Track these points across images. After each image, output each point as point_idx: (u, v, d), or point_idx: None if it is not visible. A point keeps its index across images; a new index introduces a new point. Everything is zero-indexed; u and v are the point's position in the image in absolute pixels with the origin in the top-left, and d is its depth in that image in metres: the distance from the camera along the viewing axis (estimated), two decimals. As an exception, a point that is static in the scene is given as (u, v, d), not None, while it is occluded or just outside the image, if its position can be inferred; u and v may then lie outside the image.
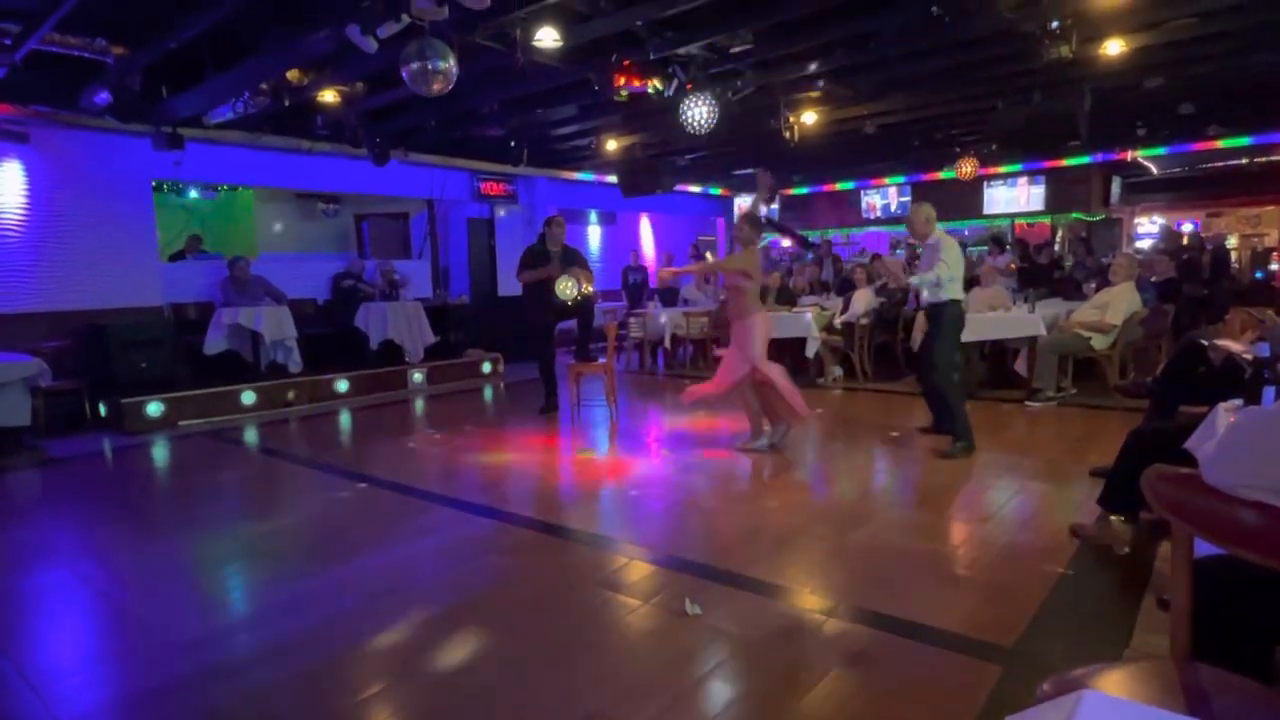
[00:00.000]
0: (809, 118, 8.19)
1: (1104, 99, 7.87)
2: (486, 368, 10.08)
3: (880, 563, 3.38)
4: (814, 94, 7.57)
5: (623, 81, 5.98)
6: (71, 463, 6.07)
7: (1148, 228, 13.80)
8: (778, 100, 7.75)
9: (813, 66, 6.71)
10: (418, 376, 9.29)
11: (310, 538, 4.13)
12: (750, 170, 13.28)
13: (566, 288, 6.71)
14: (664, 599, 3.04)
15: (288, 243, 11.26)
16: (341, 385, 8.65)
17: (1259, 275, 12.51)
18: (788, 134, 7.93)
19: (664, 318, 10.28)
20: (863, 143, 10.33)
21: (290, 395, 8.13)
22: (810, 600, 3.01)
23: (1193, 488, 1.51)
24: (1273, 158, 11.49)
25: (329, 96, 7.25)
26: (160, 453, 6.45)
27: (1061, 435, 5.81)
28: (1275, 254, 12.76)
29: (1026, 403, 6.80)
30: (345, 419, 7.80)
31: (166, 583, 3.52)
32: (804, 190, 15.44)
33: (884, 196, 14.77)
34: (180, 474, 5.96)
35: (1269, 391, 2.22)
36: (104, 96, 6.40)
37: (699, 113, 6.27)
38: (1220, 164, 12.14)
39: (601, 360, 7.33)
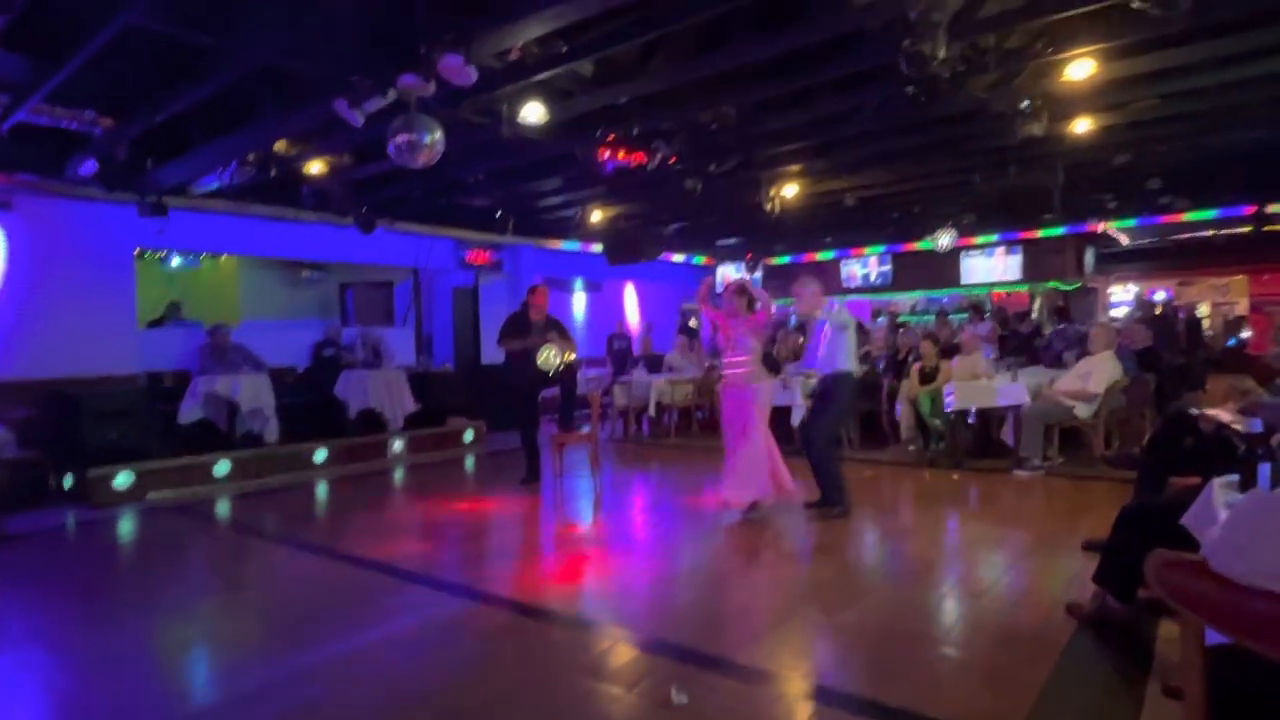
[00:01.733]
0: (790, 190, 8.36)
1: (1076, 173, 8.11)
2: (469, 436, 9.92)
3: (873, 645, 3.25)
4: (794, 168, 7.75)
5: (607, 155, 6.08)
6: (29, 539, 5.81)
7: (1121, 296, 14.09)
8: (759, 174, 7.92)
9: (793, 142, 6.88)
10: (398, 445, 9.11)
11: (277, 621, 3.93)
12: (733, 240, 13.52)
13: (549, 357, 6.67)
14: (649, 686, 2.88)
15: (271, 309, 11.20)
16: (319, 455, 8.45)
17: (1232, 343, 12.75)
18: (769, 206, 8.08)
19: (649, 384, 10.23)
20: (843, 214, 10.55)
21: (264, 466, 7.92)
22: (800, 686, 2.87)
23: (1200, 576, 1.45)
24: (1236, 230, 11.84)
25: (316, 167, 7.32)
26: (125, 528, 6.21)
27: (1050, 506, 5.74)
28: (1246, 321, 13.02)
29: (1014, 471, 6.75)
30: (322, 490, 7.59)
31: (119, 671, 3.31)
32: (786, 260, 15.68)
33: (864, 266, 15.01)
34: (144, 551, 5.73)
35: (1264, 468, 2.18)
36: (90, 166, 6.42)
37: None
38: (1188, 235, 12.49)
39: (585, 429, 7.23)
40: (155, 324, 9.22)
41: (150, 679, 3.27)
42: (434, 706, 2.80)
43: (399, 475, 8.28)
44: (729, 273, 16.31)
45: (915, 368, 7.91)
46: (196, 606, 4.24)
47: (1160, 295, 13.64)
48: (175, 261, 10.46)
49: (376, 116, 4.80)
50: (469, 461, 9.09)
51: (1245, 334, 12.82)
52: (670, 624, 3.63)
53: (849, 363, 5.39)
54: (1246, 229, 11.45)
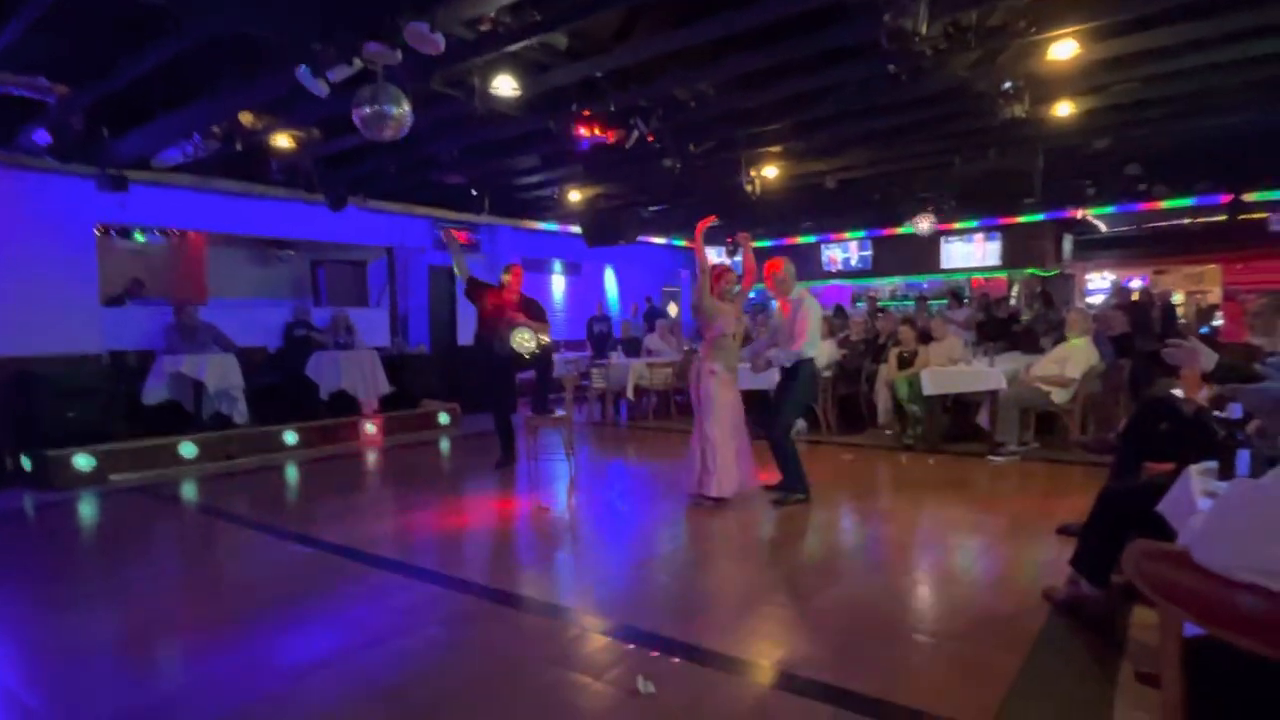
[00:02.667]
0: (770, 171, 8.25)
1: (1056, 158, 8.07)
2: (443, 419, 9.78)
3: (845, 631, 3.19)
4: (775, 148, 7.63)
5: (583, 131, 5.93)
6: (-16, 522, 5.63)
7: (1098, 284, 14.17)
8: (739, 154, 7.80)
9: (773, 121, 6.77)
10: (370, 428, 8.96)
11: (238, 607, 3.80)
12: (718, 223, 13.37)
13: (524, 339, 6.55)
14: (618, 675, 2.81)
15: (240, 288, 10.93)
16: (289, 437, 8.28)
17: (1204, 331, 12.87)
18: (749, 187, 7.97)
19: (627, 368, 10.14)
20: (823, 197, 10.46)
21: (233, 448, 7.75)
22: (770, 674, 2.80)
23: (1181, 567, 1.38)
24: (1212, 219, 11.91)
25: (284, 141, 7.09)
26: (85, 510, 6.03)
27: (1026, 490, 5.74)
28: (1218, 310, 13.15)
29: (989, 457, 6.75)
30: (291, 473, 7.44)
31: (73, 658, 3.18)
32: (767, 243, 15.59)
33: (845, 250, 14.98)
34: (103, 535, 5.56)
35: (1243, 454, 2.13)
36: (43, 136, 6.17)
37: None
38: (1164, 224, 12.55)
39: (560, 412, 7.12)
40: (115, 302, 8.95)
41: (105, 665, 3.15)
42: (396, 695, 2.71)
43: (371, 458, 8.14)
44: (710, 256, 16.22)
45: (893, 352, 7.89)
46: (155, 592, 4.09)
47: (1136, 283, 13.73)
48: (139, 238, 10.15)
49: (343, 87, 4.63)
50: (443, 444, 8.96)
51: (1217, 322, 12.96)
52: (640, 610, 3.56)
53: (814, 349, 5.40)
54: (1221, 218, 11.53)
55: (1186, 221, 12.32)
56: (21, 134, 6.37)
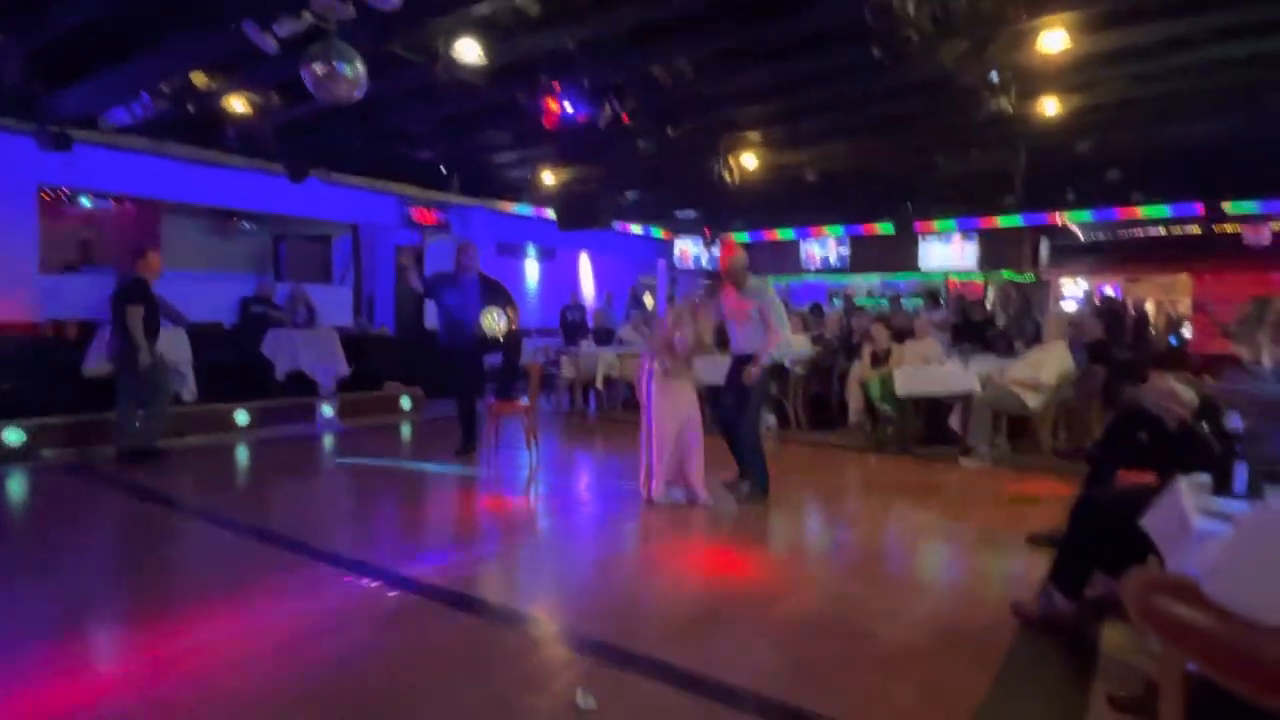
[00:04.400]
0: (749, 159, 8.04)
1: (1037, 160, 7.96)
2: (405, 403, 9.47)
3: (805, 644, 2.99)
4: (754, 135, 7.42)
5: (554, 107, 5.66)
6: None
7: (1072, 290, 14.19)
8: (717, 139, 7.58)
9: (753, 104, 6.54)
10: (327, 410, 8.63)
11: (164, 596, 3.52)
12: (692, 213, 13.18)
13: (491, 321, 6.30)
14: (558, 688, 2.58)
15: (197, 260, 10.49)
16: (240, 417, 7.93)
17: (1173, 341, 12.93)
18: (727, 175, 7.75)
19: (597, 357, 9.89)
20: (803, 190, 10.27)
21: (179, 426, 7.39)
22: (723, 693, 2.59)
23: (1190, 603, 1.18)
24: (1185, 229, 11.95)
25: (240, 105, 6.71)
26: (12, 488, 5.67)
27: (996, 497, 5.59)
28: (1188, 321, 13.22)
29: (961, 460, 6.62)
30: (240, 454, 7.11)
31: (-47, 655, 2.88)
32: (745, 237, 15.40)
33: (823, 247, 14.84)
34: (27, 514, 5.22)
35: (1240, 469, 1.96)
36: (-26, 86, 5.76)
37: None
38: (1139, 233, 12.58)
39: (523, 400, 6.87)
40: (64, 268, 8.52)
41: (12, 654, 2.85)
42: (312, 701, 2.46)
43: (326, 441, 7.83)
44: (687, 247, 16.00)
45: (867, 351, 7.73)
46: (78, 577, 3.79)
47: (1109, 291, 13.77)
48: (87, 202, 9.68)
49: (296, 45, 4.32)
50: (404, 429, 8.67)
51: (1186, 333, 13.04)
52: (588, 616, 3.33)
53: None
54: (1195, 228, 11.56)
55: (1161, 231, 12.35)
56: (-49, 84, 5.95)
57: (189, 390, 7.73)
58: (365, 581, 3.65)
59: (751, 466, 5.14)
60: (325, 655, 2.85)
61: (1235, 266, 11.71)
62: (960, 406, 7.01)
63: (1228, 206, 10.44)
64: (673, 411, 5.00)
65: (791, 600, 3.48)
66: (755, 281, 5.21)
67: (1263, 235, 10.62)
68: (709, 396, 6.20)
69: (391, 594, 3.49)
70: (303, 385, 8.62)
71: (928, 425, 7.48)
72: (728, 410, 5.21)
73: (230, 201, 9.54)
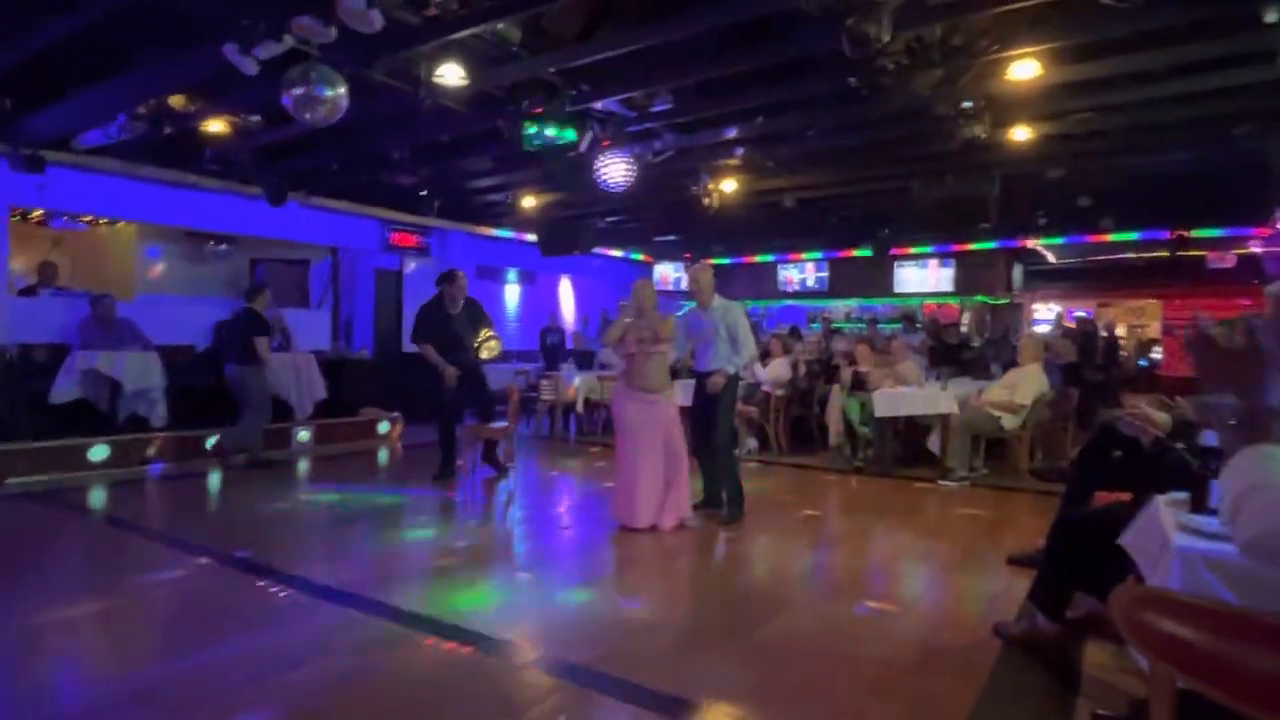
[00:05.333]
0: (728, 185, 8.12)
1: (1010, 186, 8.13)
2: (383, 428, 9.35)
3: (789, 666, 2.97)
4: (733, 161, 7.51)
5: (534, 130, 5.69)
6: None
7: (1044, 314, 14.44)
8: (698, 166, 7.66)
9: (732, 132, 6.63)
10: (303, 435, 8.50)
11: (131, 627, 3.43)
12: (672, 237, 13.26)
13: (493, 347, 6.43)
14: (539, 714, 2.54)
15: (172, 283, 10.36)
16: (214, 442, 7.78)
17: (1143, 363, 13.18)
18: (707, 201, 7.82)
19: (577, 380, 9.86)
20: (781, 216, 10.40)
21: (150, 452, 7.24)
22: (709, 716, 2.56)
23: (1176, 616, 1.18)
24: (1154, 254, 12.24)
25: (218, 127, 6.69)
26: (-27, 516, 5.50)
27: (976, 518, 5.62)
28: (1157, 345, 13.49)
29: (940, 481, 6.66)
30: (213, 480, 6.96)
31: (-93, 690, 2.77)
32: (725, 260, 15.54)
33: (801, 271, 15.00)
34: (-10, 542, 5.05)
35: (1215, 485, 1.98)
36: (-54, 108, 5.69)
37: (616, 169, 6.04)
38: (1109, 257, 12.86)
39: (502, 423, 6.81)
40: (27, 291, 8.35)
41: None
42: (281, 738, 2.40)
43: (302, 466, 7.69)
44: (668, 271, 16.09)
45: (848, 372, 7.78)
46: (40, 608, 3.66)
47: (1080, 314, 14.03)
48: (59, 225, 9.54)
49: (277, 68, 4.32)
50: (381, 455, 8.55)
51: (1156, 355, 13.29)
52: (569, 640, 3.28)
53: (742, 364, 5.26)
54: (1163, 253, 11.84)
55: (1131, 255, 12.64)
56: (-79, 105, 5.88)
57: (159, 415, 7.59)
58: (343, 608, 3.57)
59: (728, 487, 5.12)
60: (304, 681, 2.78)
61: (1201, 290, 12.01)
62: (938, 428, 7.07)
63: (1193, 232, 10.74)
64: (648, 430, 4.92)
65: (774, 623, 3.45)
66: (721, 300, 5.23)
67: (1226, 260, 10.91)
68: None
69: (370, 621, 3.42)
70: (278, 410, 8.48)
71: (906, 447, 7.53)
72: (698, 429, 5.19)
73: (206, 224, 9.45)
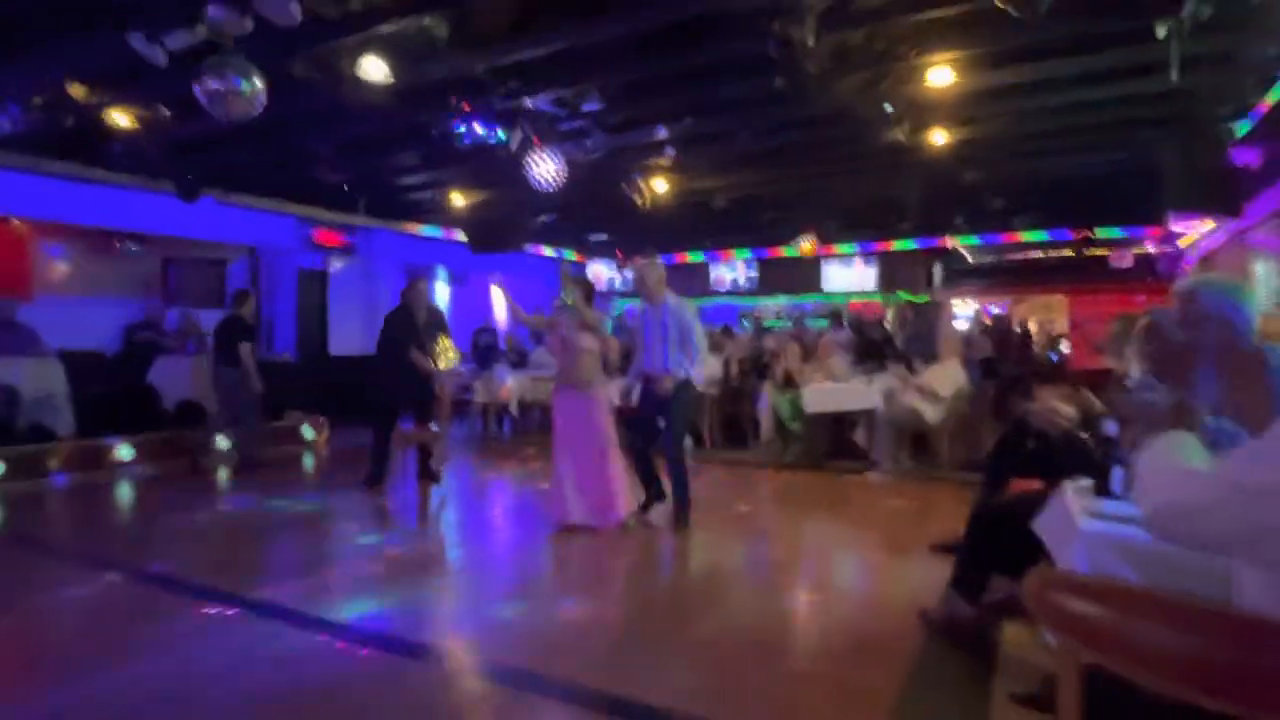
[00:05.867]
0: (660, 185, 8.18)
1: (930, 188, 8.45)
2: (309, 433, 9.05)
3: (724, 661, 3.02)
4: (664, 161, 7.56)
5: (463, 129, 5.60)
6: None
7: (963, 310, 15.07)
8: (629, 166, 7.68)
9: (662, 132, 6.68)
10: (222, 442, 8.14)
11: (32, 650, 3.22)
12: (604, 237, 13.26)
13: (452, 356, 6.34)
14: (480, 718, 2.50)
15: (75, 284, 9.74)
16: (124, 452, 7.38)
17: (1053, 357, 13.90)
18: (639, 199, 7.85)
19: (510, 381, 9.75)
20: (712, 215, 10.53)
21: (52, 463, 6.82)
22: (644, 713, 2.58)
23: (1080, 596, 1.26)
24: (1062, 253, 12.93)
25: (126, 120, 6.33)
26: None
27: (901, 508, 5.82)
28: (1065, 339, 14.26)
29: (867, 474, 6.87)
30: (123, 491, 6.61)
31: None
32: (657, 259, 15.64)
33: (732, 269, 15.22)
34: None
35: (1117, 472, 2.11)
36: None
37: (546, 168, 6.00)
38: (1021, 256, 13.52)
39: (434, 427, 6.68)
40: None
41: None
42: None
43: (221, 475, 7.37)
44: (601, 270, 16.07)
45: (781, 369, 7.94)
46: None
47: (997, 311, 14.69)
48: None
49: (190, 58, 4.12)
50: (307, 460, 8.27)
51: (1064, 349, 14.04)
52: (504, 646, 3.24)
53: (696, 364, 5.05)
54: (1069, 252, 12.51)
55: (1040, 255, 13.32)
56: None
57: (65, 424, 7.16)
58: (265, 621, 3.44)
59: (677, 495, 5.05)
60: (228, 697, 2.67)
61: (1104, 287, 12.76)
62: (864, 422, 7.29)
63: (1097, 233, 11.38)
64: (576, 426, 4.91)
65: (708, 618, 3.50)
66: (675, 298, 5.06)
67: (1125, 259, 11.62)
68: (625, 420, 6.18)
69: (293, 633, 3.31)
70: (195, 416, 8.11)
71: (835, 441, 7.74)
72: (643, 433, 5.13)
73: (114, 222, 8.94)
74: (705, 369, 8.16)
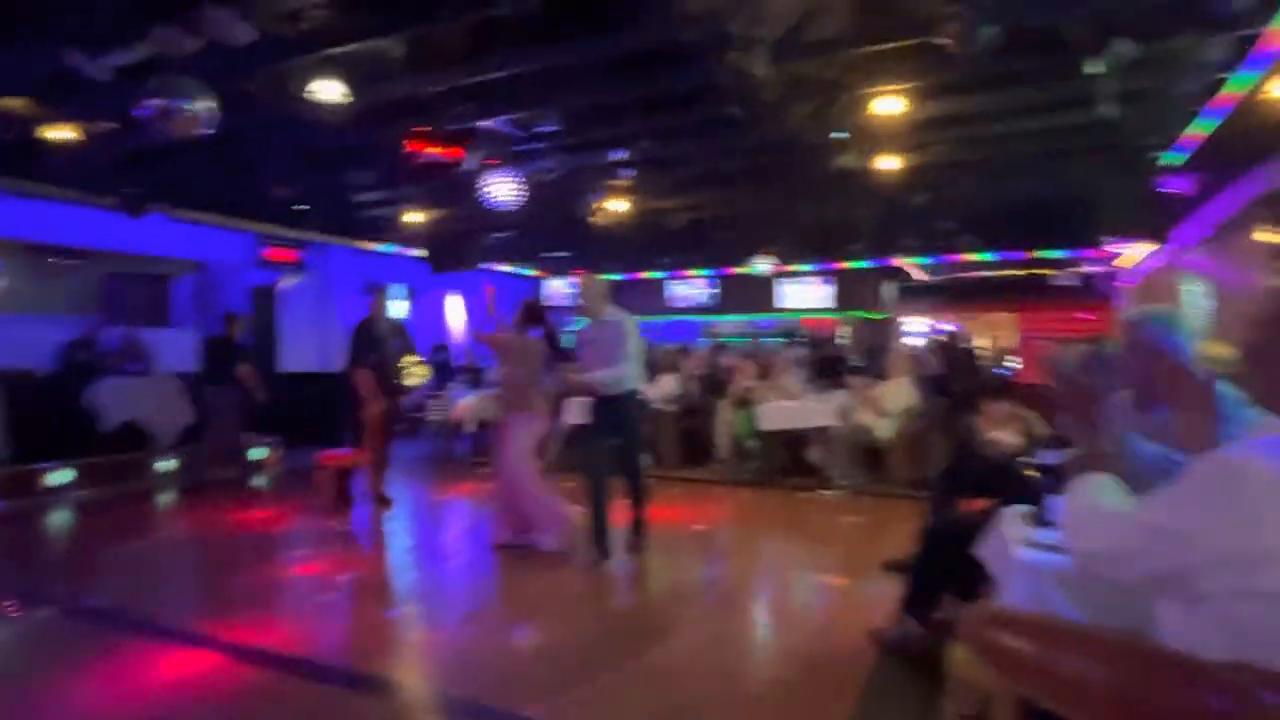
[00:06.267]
0: (618, 205, 8.21)
1: (882, 210, 8.66)
2: (257, 454, 8.80)
3: (678, 687, 3.02)
4: (622, 182, 7.61)
5: (420, 149, 5.56)
6: None
7: (916, 328, 15.44)
8: (587, 186, 7.71)
9: (620, 154, 6.73)
10: (166, 464, 7.88)
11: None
12: (563, 254, 13.26)
13: (421, 374, 6.25)
14: (424, 756, 2.46)
15: (7, 301, 9.37)
16: (60, 476, 7.09)
17: (1000, 372, 14.30)
18: (596, 219, 7.88)
19: (464, 400, 9.63)
20: (670, 234, 10.62)
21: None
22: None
23: (1012, 631, 1.30)
24: (1008, 273, 13.37)
25: (67, 134, 6.12)
26: None
27: (854, 526, 5.91)
28: (1010, 355, 14.70)
29: (820, 491, 6.95)
30: (58, 519, 6.35)
31: None
32: (617, 276, 15.66)
33: (691, 287, 15.35)
34: None
35: (1052, 502, 2.18)
36: None
37: (503, 189, 5.99)
38: (971, 275, 13.93)
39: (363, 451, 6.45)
40: None
41: None
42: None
43: (162, 499, 7.14)
44: (559, 286, 16.03)
45: (739, 386, 8.02)
46: None
47: (947, 328, 15.08)
48: None
49: (135, 73, 4.02)
50: (256, 482, 8.05)
51: (1014, 365, 14.46)
52: (455, 676, 3.20)
53: (637, 378, 4.91)
54: (1017, 272, 12.94)
55: (988, 274, 13.74)
56: None
57: (-4, 448, 6.86)
58: (209, 654, 3.34)
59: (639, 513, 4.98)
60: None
61: (1048, 305, 13.22)
62: (819, 440, 7.39)
63: (1040, 254, 11.80)
64: (505, 448, 4.96)
65: (663, 643, 3.50)
66: (616, 313, 4.91)
67: (1068, 279, 12.08)
68: (579, 437, 6.13)
69: (237, 666, 3.21)
70: (136, 439, 7.83)
71: (790, 458, 7.83)
72: (597, 452, 4.94)
73: (53, 237, 8.64)
74: (662, 387, 8.29)
